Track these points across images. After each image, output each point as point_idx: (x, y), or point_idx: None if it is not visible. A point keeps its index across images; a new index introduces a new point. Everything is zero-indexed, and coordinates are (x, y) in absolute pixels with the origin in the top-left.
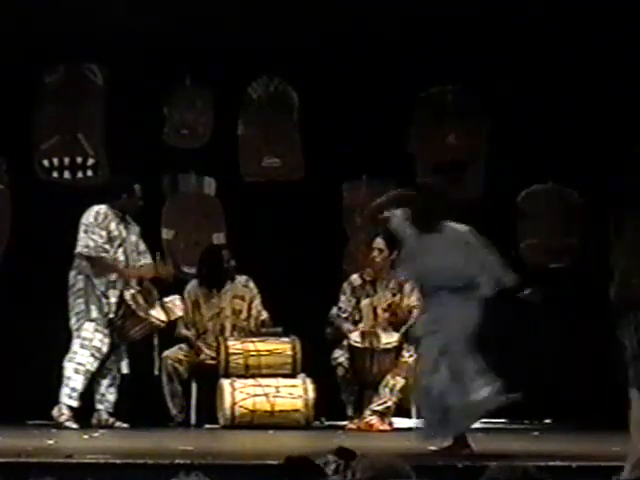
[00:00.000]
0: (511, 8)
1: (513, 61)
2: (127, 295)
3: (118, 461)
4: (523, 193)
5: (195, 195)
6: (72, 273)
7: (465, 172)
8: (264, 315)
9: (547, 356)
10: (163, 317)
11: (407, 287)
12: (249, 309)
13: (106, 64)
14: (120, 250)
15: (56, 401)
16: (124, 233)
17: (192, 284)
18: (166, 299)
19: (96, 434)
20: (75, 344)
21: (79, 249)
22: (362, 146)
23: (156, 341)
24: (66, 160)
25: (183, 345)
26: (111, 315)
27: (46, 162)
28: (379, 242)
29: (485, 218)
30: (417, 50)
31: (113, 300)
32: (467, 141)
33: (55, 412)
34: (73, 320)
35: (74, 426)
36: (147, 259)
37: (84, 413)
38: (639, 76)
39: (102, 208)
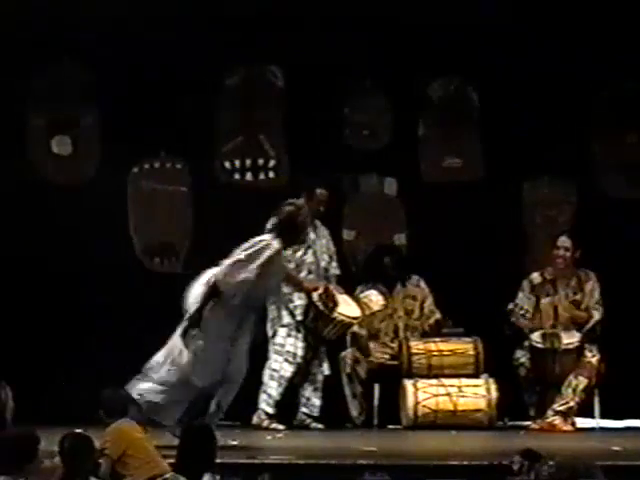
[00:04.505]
0: None
1: None
2: (315, 296)
3: (301, 462)
4: None
5: (376, 196)
6: None
7: None
8: (437, 315)
9: None
10: (355, 314)
11: (588, 286)
12: (421, 309)
13: (287, 65)
14: (310, 252)
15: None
16: (312, 236)
17: (365, 287)
18: (362, 294)
19: (279, 435)
20: (271, 350)
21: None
22: (543, 146)
23: (348, 340)
24: (247, 162)
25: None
26: (299, 318)
27: (228, 164)
28: (564, 240)
29: None
30: (597, 48)
31: (298, 303)
32: None
33: (255, 419)
34: (268, 326)
35: (280, 427)
36: (335, 267)
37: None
38: None
39: None
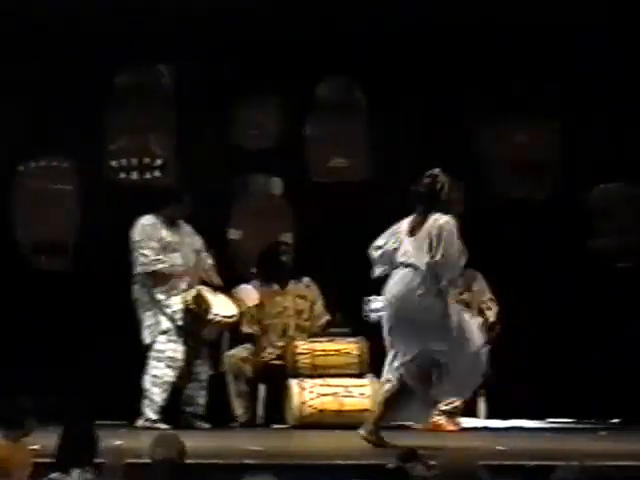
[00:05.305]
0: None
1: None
2: (188, 298)
3: (189, 461)
4: (595, 192)
5: (263, 196)
6: (135, 287)
7: (533, 172)
8: (327, 317)
9: (616, 355)
10: (230, 312)
11: (475, 285)
12: (311, 310)
13: (175, 65)
14: (176, 255)
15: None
16: (177, 238)
17: (253, 284)
18: (236, 289)
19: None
20: (150, 357)
21: (137, 270)
22: (430, 146)
23: (226, 338)
24: (134, 161)
25: (248, 344)
26: (179, 323)
27: (114, 163)
28: None
29: (557, 217)
30: (484, 46)
31: (176, 308)
32: (537, 140)
33: (139, 422)
34: (146, 333)
35: (164, 427)
36: (207, 257)
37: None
38: None
39: (148, 219)
